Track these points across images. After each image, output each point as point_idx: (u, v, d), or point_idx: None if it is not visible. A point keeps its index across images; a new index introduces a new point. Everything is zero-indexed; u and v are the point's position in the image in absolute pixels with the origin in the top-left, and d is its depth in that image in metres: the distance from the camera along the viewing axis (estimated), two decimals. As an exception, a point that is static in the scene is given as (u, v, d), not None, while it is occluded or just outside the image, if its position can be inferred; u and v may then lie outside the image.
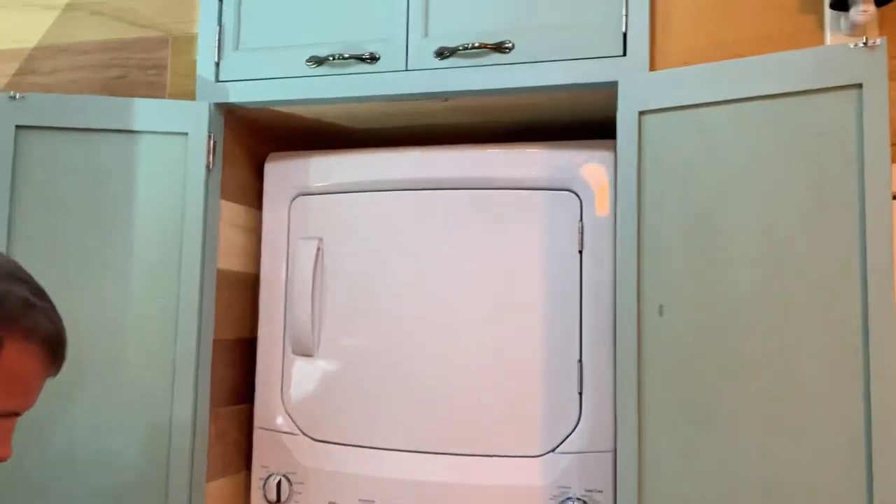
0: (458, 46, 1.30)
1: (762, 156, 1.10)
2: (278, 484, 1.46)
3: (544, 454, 1.36)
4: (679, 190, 1.14)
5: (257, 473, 1.50)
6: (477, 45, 1.29)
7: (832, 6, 1.13)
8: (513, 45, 1.28)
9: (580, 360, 1.35)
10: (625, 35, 1.24)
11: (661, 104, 1.15)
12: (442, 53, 1.31)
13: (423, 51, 1.33)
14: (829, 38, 1.15)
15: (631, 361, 1.15)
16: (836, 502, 1.01)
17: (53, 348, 0.87)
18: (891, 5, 1.11)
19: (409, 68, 1.34)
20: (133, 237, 1.35)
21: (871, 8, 1.09)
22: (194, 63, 1.47)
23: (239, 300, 1.51)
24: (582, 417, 1.35)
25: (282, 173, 1.54)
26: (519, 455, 1.37)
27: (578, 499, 1.32)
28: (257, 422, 1.51)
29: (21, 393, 0.85)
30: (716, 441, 1.09)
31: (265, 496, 1.47)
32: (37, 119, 1.34)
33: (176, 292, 1.35)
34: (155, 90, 1.47)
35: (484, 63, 1.30)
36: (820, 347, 1.03)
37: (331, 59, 1.36)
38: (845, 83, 1.04)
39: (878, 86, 1.02)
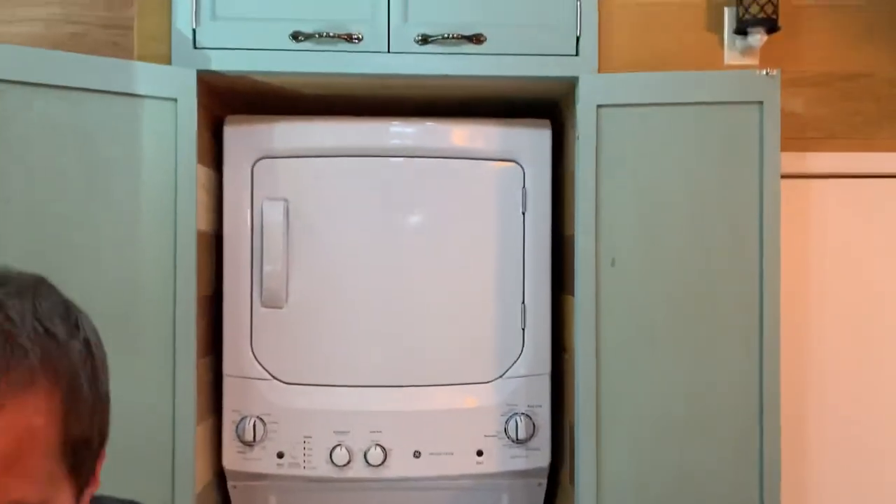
0: (437, 35, 1.49)
1: (686, 144, 1.45)
2: (254, 425, 1.59)
3: (495, 380, 1.65)
4: (626, 167, 1.47)
5: (230, 417, 1.61)
6: (454, 35, 1.49)
7: (735, 32, 1.50)
8: (485, 38, 1.50)
9: (523, 303, 1.64)
10: (578, 38, 1.51)
11: (614, 101, 1.46)
12: (424, 39, 1.49)
13: (403, 35, 1.50)
14: (727, 55, 1.53)
15: (590, 298, 1.47)
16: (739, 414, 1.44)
17: None
18: (777, 34, 1.50)
19: (391, 51, 1.50)
20: (126, 200, 1.38)
21: (764, 35, 1.47)
22: (162, 26, 1.48)
23: (202, 259, 1.58)
24: (524, 348, 1.65)
25: (243, 137, 1.62)
26: (475, 382, 1.65)
27: (523, 413, 1.63)
28: (227, 370, 1.62)
29: None
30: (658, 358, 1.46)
31: (239, 437, 1.60)
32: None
33: (172, 254, 1.41)
34: (120, 51, 1.46)
35: (459, 51, 1.50)
36: (731, 285, 1.44)
37: (316, 35, 1.47)
38: (750, 99, 1.43)
39: (772, 103, 1.42)
